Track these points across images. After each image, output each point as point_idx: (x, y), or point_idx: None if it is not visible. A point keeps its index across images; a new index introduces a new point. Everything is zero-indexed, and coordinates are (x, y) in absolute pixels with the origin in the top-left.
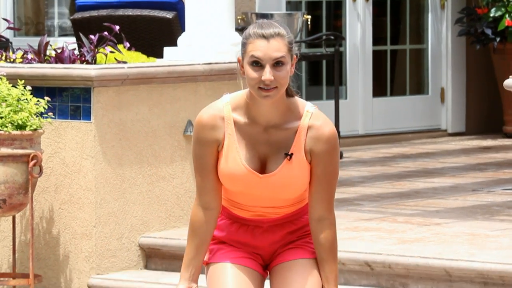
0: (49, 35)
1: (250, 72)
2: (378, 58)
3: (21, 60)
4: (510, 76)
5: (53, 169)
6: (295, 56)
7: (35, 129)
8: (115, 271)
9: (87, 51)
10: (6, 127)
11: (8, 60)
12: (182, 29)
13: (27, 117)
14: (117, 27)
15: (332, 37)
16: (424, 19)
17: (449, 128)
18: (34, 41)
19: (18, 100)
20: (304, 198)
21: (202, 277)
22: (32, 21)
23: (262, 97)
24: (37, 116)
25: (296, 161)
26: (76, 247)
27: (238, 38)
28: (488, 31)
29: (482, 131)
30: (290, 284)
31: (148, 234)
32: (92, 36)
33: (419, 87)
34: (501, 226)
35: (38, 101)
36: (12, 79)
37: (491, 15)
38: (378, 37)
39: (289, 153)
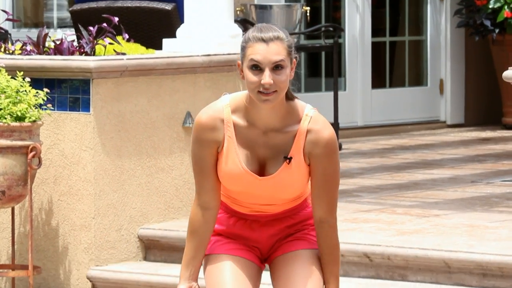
0: (48, 27)
1: (250, 76)
2: (377, 50)
3: (20, 51)
4: (509, 68)
5: (52, 160)
6: (294, 60)
7: (34, 121)
8: (114, 263)
9: (86, 42)
10: (5, 118)
11: (7, 52)
12: (181, 20)
13: (26, 108)
14: (116, 19)
15: (331, 29)
16: (423, 10)
17: (448, 120)
18: (33, 33)
19: (17, 91)
20: (303, 194)
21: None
22: (31, 13)
23: (261, 102)
24: (36, 108)
25: (295, 164)
26: (75, 238)
27: (237, 29)
28: (487, 23)
29: (481, 123)
30: (292, 275)
31: (147, 225)
32: (91, 28)
33: (418, 79)
34: (500, 218)
35: (37, 92)
36: (11, 71)
37: (490, 6)
38: (377, 29)
39: (289, 157)
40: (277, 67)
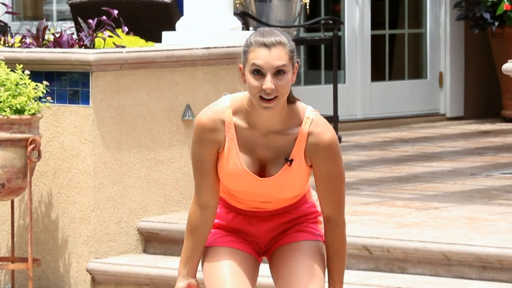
0: (47, 20)
1: (251, 81)
2: (376, 43)
3: (19, 44)
4: (508, 60)
5: (51, 153)
6: (296, 64)
7: (34, 114)
8: (114, 255)
9: (86, 35)
10: (5, 111)
11: (6, 45)
12: (180, 13)
13: (26, 101)
14: (116, 12)
15: (331, 22)
16: (423, 3)
17: (448, 113)
18: (33, 26)
19: (17, 84)
20: (303, 192)
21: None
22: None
23: (262, 108)
24: (35, 101)
25: (296, 166)
26: (74, 231)
27: (237, 22)
28: (487, 15)
29: (480, 116)
30: (294, 266)
31: (146, 218)
32: (90, 21)
33: (418, 72)
34: (499, 210)
35: (36, 85)
36: (11, 64)
37: None
38: (376, 22)
39: (290, 159)
40: (279, 72)
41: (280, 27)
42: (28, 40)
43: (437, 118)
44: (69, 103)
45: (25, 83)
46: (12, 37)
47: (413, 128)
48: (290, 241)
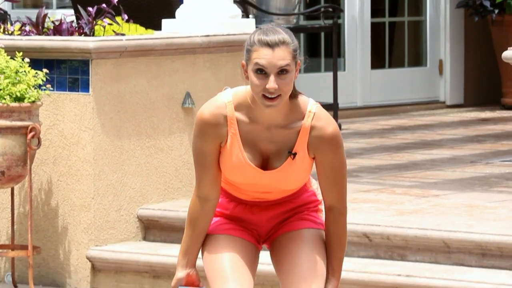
0: (47, 7)
1: (254, 80)
2: (376, 30)
3: (19, 32)
4: (508, 48)
5: (51, 141)
6: (299, 62)
7: (34, 101)
8: (114, 243)
9: (85, 23)
10: (4, 99)
11: (6, 32)
12: (180, 1)
13: (26, 89)
14: None
15: (331, 9)
16: None
17: (447, 100)
18: (32, 13)
19: (16, 72)
20: (304, 182)
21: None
22: None
23: (265, 106)
24: (35, 88)
25: (299, 159)
26: (74, 219)
27: (236, 10)
28: (487, 3)
29: (480, 103)
30: (296, 254)
31: (146, 205)
32: (90, 8)
33: (418, 59)
34: (499, 198)
35: (36, 73)
36: (10, 51)
37: None
38: (376, 9)
39: (293, 152)
40: (282, 72)
41: (280, 15)
42: (27, 28)
43: (437, 105)
44: (69, 90)
45: (25, 71)
46: (11, 24)
47: (413, 115)
48: (291, 229)
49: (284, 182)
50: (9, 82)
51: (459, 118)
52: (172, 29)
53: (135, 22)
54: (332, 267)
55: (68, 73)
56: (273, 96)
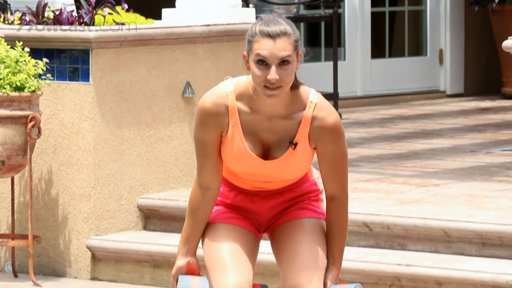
0: None
1: (256, 70)
2: (376, 20)
3: (19, 22)
4: (508, 37)
5: (51, 130)
6: (300, 53)
7: (34, 91)
8: (114, 232)
9: (85, 12)
10: (5, 88)
11: (6, 22)
12: None
13: (26, 78)
14: None
15: None
16: None
17: (448, 90)
18: (32, 3)
19: (17, 61)
20: (305, 171)
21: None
22: None
23: (267, 96)
24: (35, 78)
25: (300, 149)
26: (75, 208)
27: None
28: None
29: (480, 93)
30: (296, 243)
31: (146, 195)
32: None
33: (418, 49)
34: (499, 187)
35: (36, 62)
36: (10, 41)
37: None
38: None
39: (294, 142)
40: (283, 63)
41: (280, 4)
42: (28, 18)
43: (437, 95)
44: (69, 80)
45: (25, 60)
46: (12, 14)
47: (413, 105)
48: (292, 218)
49: (284, 172)
50: (9, 72)
51: (459, 107)
52: (172, 18)
53: (135, 11)
54: (333, 257)
55: (68, 62)
56: (274, 87)
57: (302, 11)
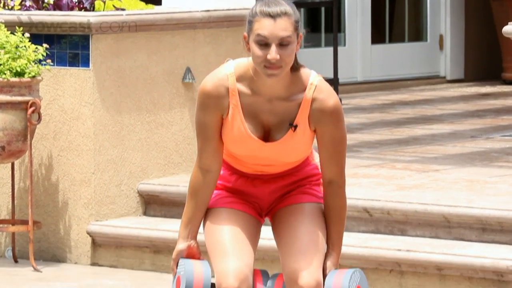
0: None
1: (256, 51)
2: (377, 5)
3: (19, 7)
4: (509, 23)
5: (52, 116)
6: (300, 34)
7: (34, 76)
8: (114, 218)
9: None
10: (5, 74)
11: (6, 7)
12: None
13: (26, 64)
14: None
15: None
16: None
17: (448, 75)
18: None
19: (17, 47)
20: (306, 155)
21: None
22: None
23: (267, 75)
24: (35, 63)
25: (300, 131)
26: (75, 194)
27: None
28: None
29: (480, 78)
30: (296, 228)
31: (147, 181)
32: None
33: (418, 34)
34: (499, 173)
35: (36, 48)
36: (10, 26)
37: None
38: None
39: (294, 124)
40: (283, 43)
41: None
42: (28, 3)
43: (437, 80)
44: (69, 65)
45: (25, 46)
46: None
47: (413, 90)
48: (293, 202)
49: (285, 154)
50: (9, 57)
51: (459, 93)
52: (172, 4)
53: None
54: (332, 241)
55: (68, 48)
56: (274, 66)
57: None
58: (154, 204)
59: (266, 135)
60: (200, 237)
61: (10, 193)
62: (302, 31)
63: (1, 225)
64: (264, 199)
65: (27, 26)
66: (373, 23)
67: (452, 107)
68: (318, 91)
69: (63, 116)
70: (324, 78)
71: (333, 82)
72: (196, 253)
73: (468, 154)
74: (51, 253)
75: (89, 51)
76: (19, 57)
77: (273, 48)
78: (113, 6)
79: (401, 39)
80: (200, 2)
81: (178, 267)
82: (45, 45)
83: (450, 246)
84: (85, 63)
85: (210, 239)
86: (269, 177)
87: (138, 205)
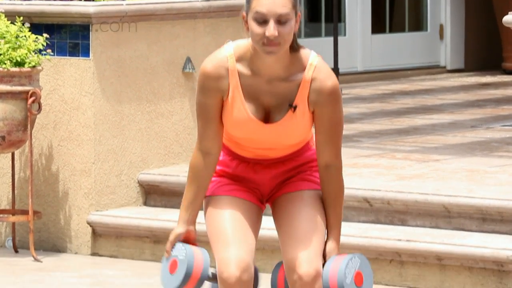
0: None
1: (255, 28)
2: None
3: None
4: (509, 12)
5: (52, 106)
6: (299, 13)
7: (34, 66)
8: (114, 208)
9: None
10: (5, 64)
11: None
12: None
13: (26, 54)
14: None
15: None
16: None
17: (448, 65)
18: None
19: (17, 37)
20: (306, 138)
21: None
22: None
23: (265, 53)
24: (35, 53)
25: (299, 112)
26: (75, 183)
27: None
28: None
29: (481, 68)
30: (295, 216)
31: (147, 171)
32: None
33: (418, 24)
34: (499, 162)
35: (36, 38)
36: (11, 16)
37: None
38: None
39: (294, 105)
40: (282, 20)
41: None
42: None
43: (438, 70)
44: (69, 55)
45: (25, 36)
46: None
47: (414, 80)
48: (293, 190)
49: (285, 136)
50: (9, 47)
51: (459, 82)
52: None
53: None
54: (331, 226)
55: (69, 38)
56: (273, 43)
57: None
58: (154, 194)
59: (267, 117)
60: (200, 227)
61: (11, 183)
62: (300, 9)
63: (1, 215)
64: (265, 185)
65: (27, 15)
66: (373, 13)
67: (452, 97)
68: (317, 71)
69: (63, 106)
70: None
71: (333, 72)
72: (193, 238)
73: (468, 144)
74: (51, 243)
75: (89, 41)
76: (19, 47)
77: (271, 24)
78: None
79: (401, 29)
80: None
81: (174, 250)
82: (45, 35)
83: (450, 236)
84: (85, 53)
85: (212, 227)
86: (270, 162)
87: (138, 195)
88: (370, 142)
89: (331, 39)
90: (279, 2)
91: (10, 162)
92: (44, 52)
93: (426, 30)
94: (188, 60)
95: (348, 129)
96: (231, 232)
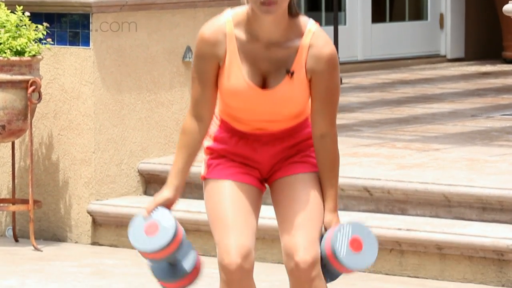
0: None
1: None
2: None
3: None
4: (509, 1)
5: (52, 95)
6: None
7: (34, 55)
8: (115, 197)
9: None
10: (5, 53)
11: None
12: None
13: (26, 43)
14: None
15: None
16: None
17: (448, 54)
18: None
19: (17, 26)
20: (304, 112)
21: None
22: None
23: (263, 12)
24: (36, 42)
25: (297, 78)
26: (75, 173)
27: None
28: None
29: (481, 57)
30: (293, 200)
31: (147, 160)
32: None
33: (418, 13)
34: (499, 152)
35: (36, 27)
36: (11, 5)
37: None
38: None
39: (291, 71)
40: None
41: None
42: None
43: (438, 59)
44: (69, 44)
45: (25, 25)
46: None
47: (414, 69)
48: (290, 173)
49: (282, 104)
50: (10, 36)
51: (459, 72)
52: None
53: None
54: (327, 198)
55: (69, 27)
56: (270, 2)
57: None
58: (154, 183)
59: (263, 83)
60: (199, 216)
61: (11, 172)
62: None
63: (1, 204)
64: (265, 163)
65: (27, 5)
66: (374, 2)
67: (453, 86)
68: (315, 37)
69: (63, 95)
70: None
71: None
72: (172, 205)
73: (469, 133)
74: (51, 233)
75: (89, 30)
76: (19, 36)
77: None
78: None
79: (401, 18)
80: None
81: (156, 214)
82: (45, 24)
83: (450, 225)
84: (86, 42)
85: (212, 213)
86: (269, 139)
87: (139, 184)
88: (370, 131)
89: (331, 28)
90: None
91: (10, 151)
92: (44, 41)
93: (426, 19)
94: (188, 49)
95: (348, 118)
96: (231, 218)
